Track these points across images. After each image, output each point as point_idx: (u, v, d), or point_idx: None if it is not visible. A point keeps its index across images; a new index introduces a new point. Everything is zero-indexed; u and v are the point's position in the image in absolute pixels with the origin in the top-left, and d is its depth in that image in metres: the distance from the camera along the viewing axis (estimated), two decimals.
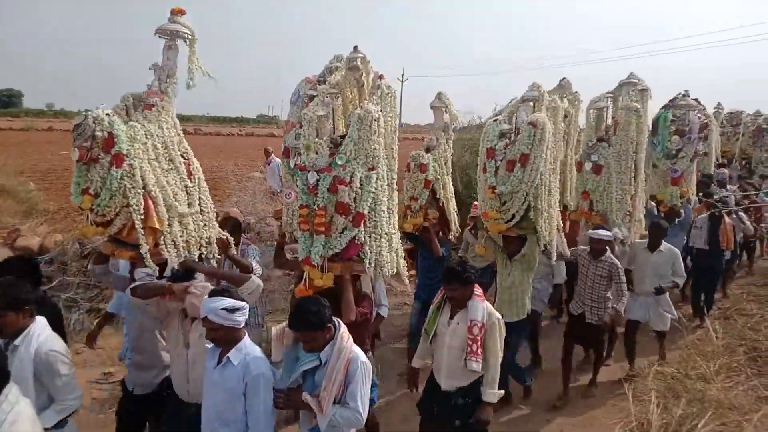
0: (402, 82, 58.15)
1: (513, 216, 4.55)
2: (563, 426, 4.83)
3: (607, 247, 5.15)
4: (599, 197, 5.86)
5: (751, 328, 5.96)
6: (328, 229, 3.57)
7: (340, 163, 3.55)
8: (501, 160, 4.57)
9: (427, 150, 5.60)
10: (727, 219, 7.05)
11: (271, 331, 3.26)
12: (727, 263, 7.83)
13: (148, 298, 3.22)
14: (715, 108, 13.81)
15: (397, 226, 4.07)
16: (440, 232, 5.56)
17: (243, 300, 2.89)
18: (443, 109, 5.67)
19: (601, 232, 5.07)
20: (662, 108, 7.15)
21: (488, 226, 4.74)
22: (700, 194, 7.87)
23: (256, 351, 2.89)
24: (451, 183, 5.73)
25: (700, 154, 7.04)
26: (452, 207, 5.69)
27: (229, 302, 2.75)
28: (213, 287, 3.06)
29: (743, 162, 13.62)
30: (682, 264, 5.68)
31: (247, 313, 2.92)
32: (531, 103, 4.87)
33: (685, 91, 7.36)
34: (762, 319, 6.24)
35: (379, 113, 3.66)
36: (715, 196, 7.70)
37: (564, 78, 6.45)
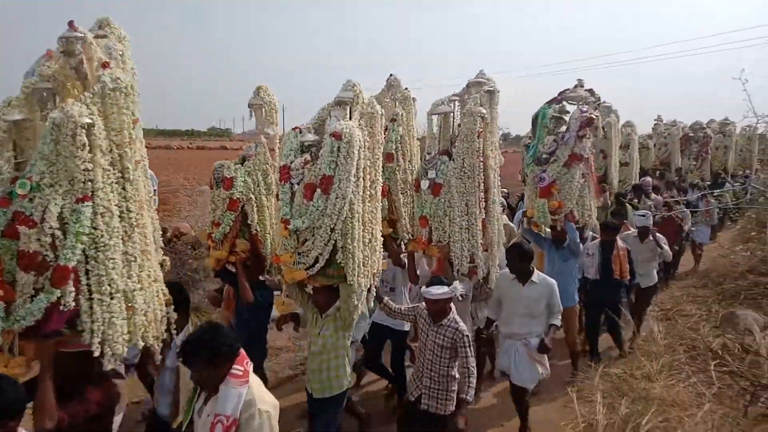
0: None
1: (316, 260, 3.57)
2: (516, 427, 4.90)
3: (452, 306, 3.90)
4: (439, 224, 4.64)
5: (690, 328, 6.18)
6: (10, 293, 2.46)
7: (21, 192, 2.47)
8: (298, 184, 3.60)
9: (243, 160, 4.54)
10: (620, 244, 6.05)
11: None
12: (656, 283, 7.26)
13: None
14: (655, 120, 14.24)
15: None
16: (257, 272, 4.48)
17: None
18: (263, 107, 4.62)
19: (434, 290, 3.72)
20: (546, 103, 5.95)
21: (284, 273, 3.67)
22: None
23: None
24: (272, 205, 4.53)
25: (579, 157, 5.56)
26: (271, 236, 4.50)
27: None
28: None
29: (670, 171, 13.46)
30: (559, 298, 4.56)
31: None
32: (346, 108, 3.94)
33: (579, 80, 6.19)
34: (701, 319, 6.51)
35: (94, 116, 2.62)
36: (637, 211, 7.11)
37: (391, 75, 5.42)
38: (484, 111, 4.66)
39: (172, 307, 3.21)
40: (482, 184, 4.68)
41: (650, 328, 6.14)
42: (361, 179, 3.66)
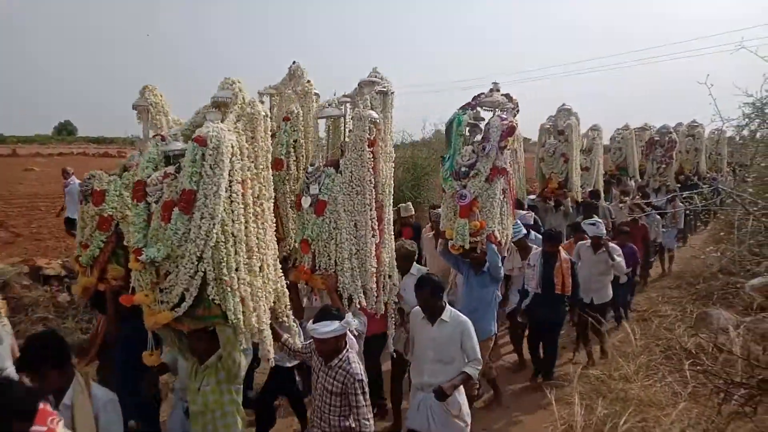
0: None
1: (182, 297, 2.87)
2: (497, 430, 4.92)
3: (349, 347, 3.31)
4: (323, 249, 3.91)
5: (666, 328, 6.27)
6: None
7: None
8: (156, 203, 2.95)
9: (123, 170, 3.99)
10: (563, 255, 5.59)
11: None
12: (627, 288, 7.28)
13: None
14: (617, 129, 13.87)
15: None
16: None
17: None
18: (149, 109, 4.07)
19: (322, 326, 3.09)
20: (460, 108, 5.28)
21: (145, 316, 2.97)
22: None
23: None
24: None
25: (501, 171, 4.94)
26: None
27: None
28: None
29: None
30: (476, 339, 3.81)
31: None
32: (220, 110, 3.36)
33: (494, 83, 5.55)
34: (676, 320, 6.60)
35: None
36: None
37: (294, 62, 4.63)
38: (375, 115, 4.03)
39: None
40: (374, 201, 4.03)
41: (627, 329, 6.23)
42: (239, 194, 3.01)
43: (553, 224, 8.19)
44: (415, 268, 4.82)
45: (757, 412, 3.79)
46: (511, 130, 4.95)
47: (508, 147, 5.03)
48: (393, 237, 4.42)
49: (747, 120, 7.30)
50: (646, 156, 13.87)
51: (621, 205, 9.63)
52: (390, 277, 4.28)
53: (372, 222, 3.99)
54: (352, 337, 3.47)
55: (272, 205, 3.40)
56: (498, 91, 5.43)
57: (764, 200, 6.13)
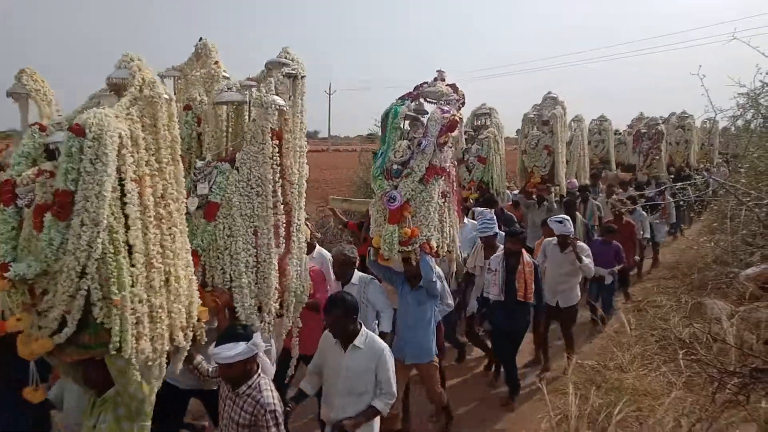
0: (329, 94, 60.18)
1: (63, 321, 2.36)
2: (492, 420, 4.95)
3: (261, 371, 2.91)
4: (214, 261, 3.24)
5: (660, 318, 6.34)
6: None
7: None
8: (28, 206, 2.42)
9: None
10: (526, 258, 5.07)
11: None
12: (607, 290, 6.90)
13: None
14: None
15: None
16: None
17: None
18: (26, 97, 3.25)
19: (225, 350, 2.73)
20: (398, 99, 4.71)
21: (19, 345, 2.39)
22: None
23: None
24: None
25: (439, 170, 4.31)
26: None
27: None
28: None
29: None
30: (393, 371, 3.30)
31: None
32: (119, 93, 2.75)
33: (439, 71, 5.00)
34: (671, 310, 6.66)
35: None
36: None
37: (201, 39, 3.92)
38: (281, 101, 3.41)
39: None
40: (280, 205, 3.42)
41: (622, 319, 6.27)
42: (134, 194, 2.49)
43: (536, 221, 7.84)
44: (357, 277, 4.32)
45: (750, 400, 3.82)
46: (452, 125, 4.32)
47: (449, 144, 4.49)
48: (305, 246, 3.81)
49: (741, 110, 7.34)
50: (634, 149, 13.58)
51: (608, 200, 9.19)
52: (301, 293, 3.69)
53: (276, 229, 3.39)
54: (266, 359, 3.07)
55: (183, 206, 2.87)
56: (443, 80, 4.85)
57: (757, 191, 6.17)
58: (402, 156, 4.24)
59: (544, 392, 4.27)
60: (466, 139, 8.23)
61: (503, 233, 5.56)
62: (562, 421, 4.11)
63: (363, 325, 3.35)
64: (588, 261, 5.74)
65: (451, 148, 4.61)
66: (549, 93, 9.32)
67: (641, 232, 8.45)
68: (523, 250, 5.13)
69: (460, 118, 4.57)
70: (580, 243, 6.11)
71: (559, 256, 5.81)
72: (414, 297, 4.30)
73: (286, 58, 3.61)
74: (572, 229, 5.94)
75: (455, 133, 4.63)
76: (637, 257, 8.29)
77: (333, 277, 4.58)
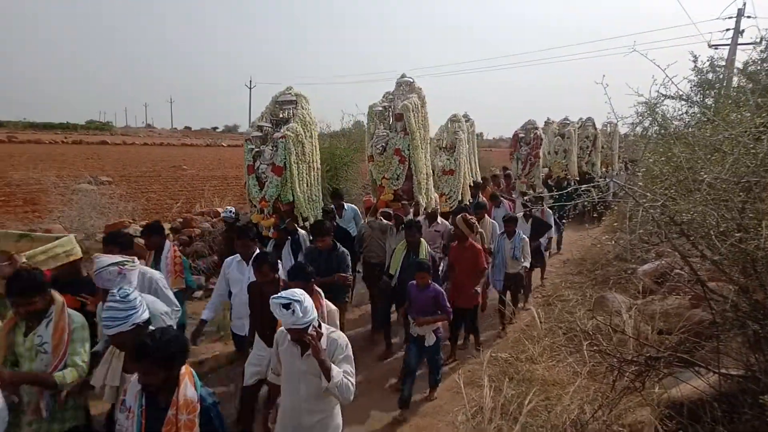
0: (250, 88, 59.04)
1: None
2: (408, 416, 5.02)
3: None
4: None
5: (567, 311, 6.70)
6: None
7: None
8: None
9: None
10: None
11: None
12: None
13: None
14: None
15: None
16: None
17: None
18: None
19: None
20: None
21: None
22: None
23: None
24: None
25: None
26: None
27: None
28: None
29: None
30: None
31: None
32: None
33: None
34: (577, 304, 7.07)
35: None
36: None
37: None
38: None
39: None
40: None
41: (533, 314, 6.58)
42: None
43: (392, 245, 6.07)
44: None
45: (645, 386, 4.11)
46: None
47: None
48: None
49: (640, 118, 7.88)
50: (510, 155, 12.46)
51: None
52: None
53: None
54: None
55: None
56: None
57: (652, 193, 6.64)
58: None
59: (461, 385, 4.39)
60: None
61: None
62: (478, 412, 4.26)
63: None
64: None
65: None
66: (403, 76, 7.36)
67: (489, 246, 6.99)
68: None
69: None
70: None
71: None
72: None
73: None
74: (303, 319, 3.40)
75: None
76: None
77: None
